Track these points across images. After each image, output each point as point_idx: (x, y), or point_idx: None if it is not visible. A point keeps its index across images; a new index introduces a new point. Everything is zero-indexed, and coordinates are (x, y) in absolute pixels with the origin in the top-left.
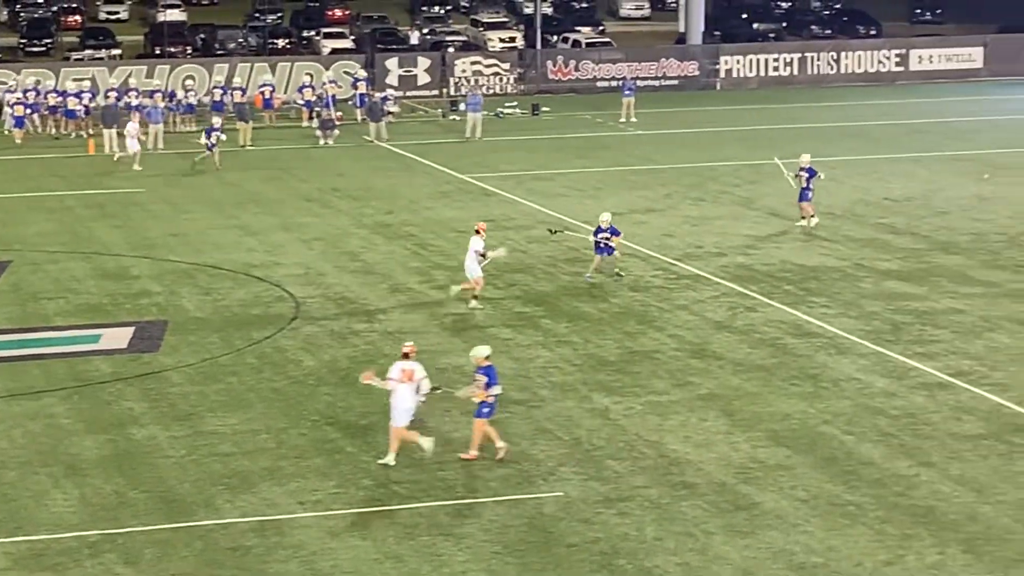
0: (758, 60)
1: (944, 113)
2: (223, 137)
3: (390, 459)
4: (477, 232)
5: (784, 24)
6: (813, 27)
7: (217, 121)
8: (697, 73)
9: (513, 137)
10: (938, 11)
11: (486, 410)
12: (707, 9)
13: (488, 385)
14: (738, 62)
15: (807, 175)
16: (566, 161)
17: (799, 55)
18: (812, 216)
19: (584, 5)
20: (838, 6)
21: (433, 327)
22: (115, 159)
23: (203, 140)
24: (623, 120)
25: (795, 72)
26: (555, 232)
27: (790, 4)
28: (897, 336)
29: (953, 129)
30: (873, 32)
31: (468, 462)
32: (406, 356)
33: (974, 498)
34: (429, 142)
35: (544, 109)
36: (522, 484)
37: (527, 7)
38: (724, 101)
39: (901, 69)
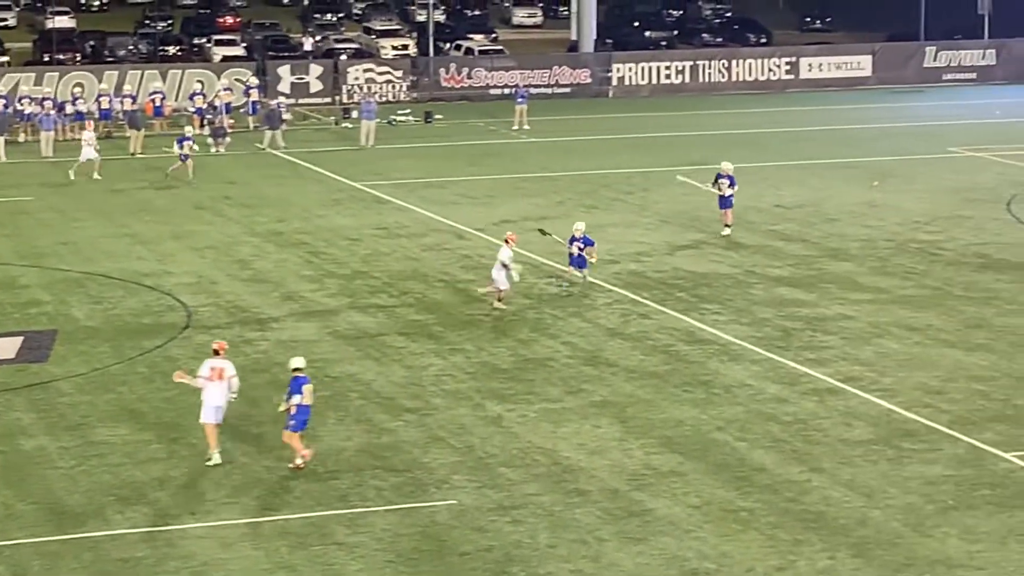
0: (650, 68)
1: (834, 120)
2: (196, 148)
3: (215, 458)
4: (507, 242)
5: (676, 32)
6: (704, 35)
7: (189, 130)
8: (589, 81)
9: (406, 145)
10: (828, 19)
11: (292, 422)
12: (599, 17)
13: (289, 395)
14: (630, 70)
15: (728, 182)
16: (459, 168)
17: (691, 63)
18: (727, 225)
19: (477, 13)
20: (729, 14)
21: (326, 336)
22: (71, 174)
23: (175, 150)
24: (516, 127)
25: (687, 80)
26: (545, 234)
27: (681, 12)
28: (788, 342)
29: (843, 136)
30: (764, 40)
31: (361, 469)
32: (216, 353)
33: (864, 503)
34: (322, 150)
35: (437, 117)
36: (415, 493)
37: (420, 15)
38: (616, 108)
39: (791, 77)
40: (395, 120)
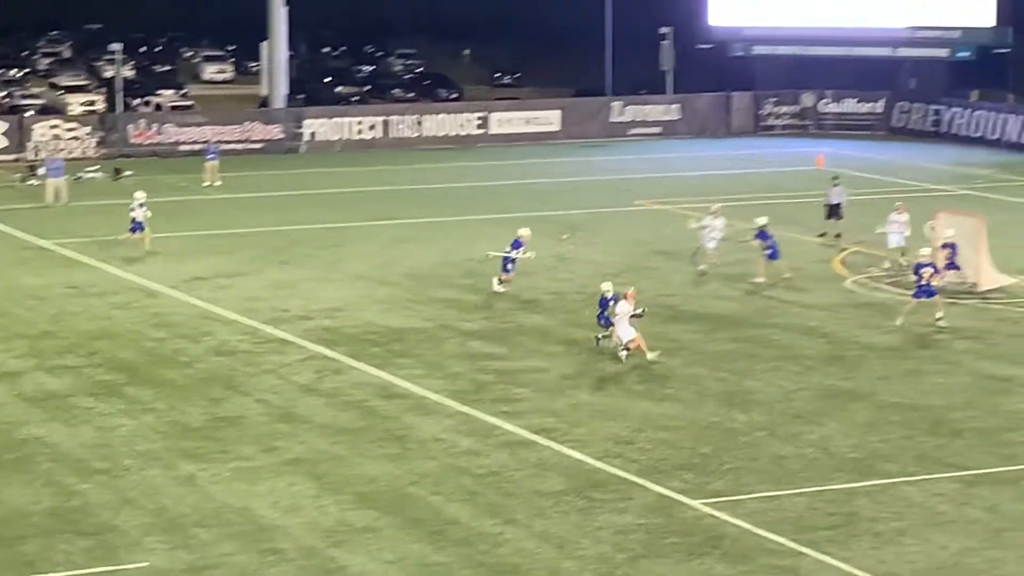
0: (341, 123)
1: (524, 175)
2: (149, 214)
3: None
4: (626, 297)
5: (367, 87)
6: (396, 90)
7: (141, 195)
8: (281, 136)
9: (95, 201)
10: (517, 75)
11: None
12: (290, 72)
13: None
14: (322, 125)
15: (512, 247)
16: (150, 224)
17: (382, 118)
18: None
19: (166, 68)
20: (420, 70)
21: (12, 398)
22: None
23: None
24: (207, 183)
25: (378, 135)
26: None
27: (373, 68)
28: (481, 395)
29: (532, 190)
30: (454, 96)
31: (50, 533)
32: None
33: (556, 554)
34: (7, 208)
35: (127, 173)
36: (106, 556)
37: (107, 70)
38: (309, 164)
39: (482, 132)
40: (83, 177)
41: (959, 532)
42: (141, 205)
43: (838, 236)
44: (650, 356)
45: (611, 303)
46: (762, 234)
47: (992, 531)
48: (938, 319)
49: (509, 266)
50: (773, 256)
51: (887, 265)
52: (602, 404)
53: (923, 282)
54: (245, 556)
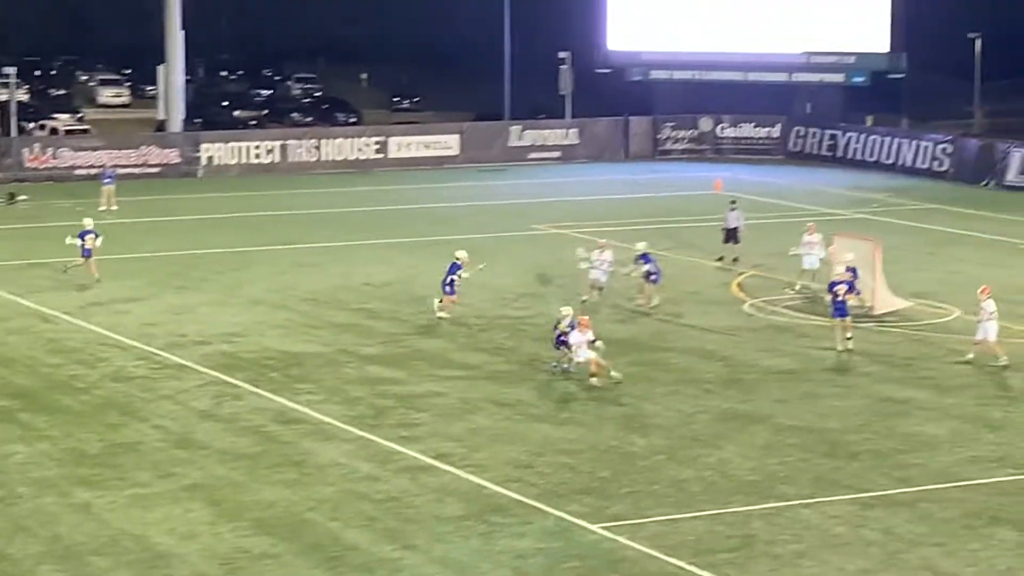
0: (239, 148)
1: (422, 199)
2: (98, 242)
3: None
4: (580, 325)
5: (265, 112)
6: (294, 115)
7: (89, 222)
8: (179, 161)
9: None
10: (416, 99)
11: None
12: (187, 96)
13: None
14: (219, 150)
15: (449, 271)
16: (46, 250)
17: (280, 143)
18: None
19: (62, 92)
20: (318, 94)
21: None
22: None
23: (76, 242)
24: (103, 208)
25: (277, 159)
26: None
27: (271, 92)
28: (380, 420)
29: (431, 215)
30: (353, 120)
31: None
32: None
33: None
34: None
35: (22, 197)
36: None
37: (1, 94)
38: (206, 188)
39: (381, 156)
40: None
41: (855, 554)
42: (89, 232)
43: (736, 260)
44: (614, 374)
45: (568, 330)
46: (644, 257)
47: (888, 553)
48: (847, 338)
49: (447, 288)
50: (655, 281)
51: (798, 287)
52: (501, 428)
53: (839, 299)
54: None
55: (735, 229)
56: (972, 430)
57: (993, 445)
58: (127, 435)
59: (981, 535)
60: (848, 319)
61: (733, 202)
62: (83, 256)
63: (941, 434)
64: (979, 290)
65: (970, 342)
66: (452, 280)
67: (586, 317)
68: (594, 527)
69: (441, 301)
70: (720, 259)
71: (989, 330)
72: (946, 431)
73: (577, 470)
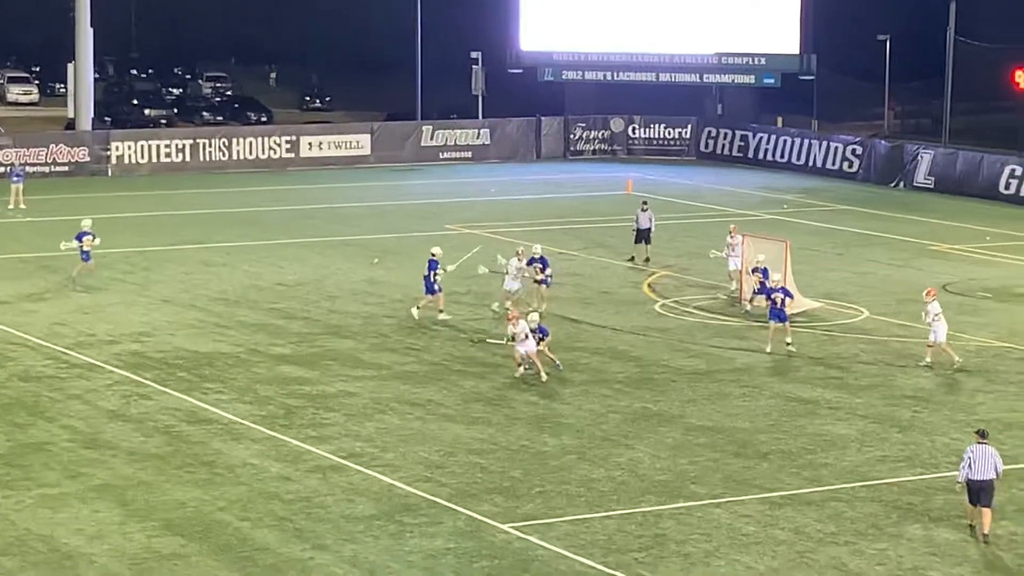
0: (149, 146)
1: (334, 199)
2: (96, 241)
3: None
4: (509, 320)
5: (176, 110)
6: (205, 113)
7: (87, 223)
8: (88, 159)
9: None
10: (327, 99)
11: None
12: (97, 95)
13: None
14: (129, 148)
15: (429, 269)
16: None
17: (191, 141)
18: (423, 306)
19: None
20: (229, 93)
21: None
22: None
23: (72, 244)
24: (11, 207)
25: (187, 158)
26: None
27: (181, 91)
28: (291, 420)
29: (342, 214)
30: (264, 119)
31: None
32: None
33: None
34: None
35: None
36: None
37: None
38: (116, 187)
39: (292, 155)
40: None
41: (765, 553)
42: (87, 233)
43: (647, 260)
44: (545, 372)
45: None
46: (541, 260)
47: (797, 552)
48: (788, 343)
49: (433, 287)
50: (545, 282)
51: (734, 288)
52: (412, 428)
53: (777, 306)
54: None
55: (647, 230)
56: (881, 430)
57: (901, 445)
58: (35, 435)
59: (889, 534)
60: (787, 323)
61: (644, 203)
62: (83, 260)
63: (850, 434)
64: (924, 292)
65: (908, 344)
66: (435, 278)
67: (515, 311)
68: (505, 527)
69: (420, 305)
70: (631, 259)
71: (938, 331)
72: (855, 431)
73: (488, 470)
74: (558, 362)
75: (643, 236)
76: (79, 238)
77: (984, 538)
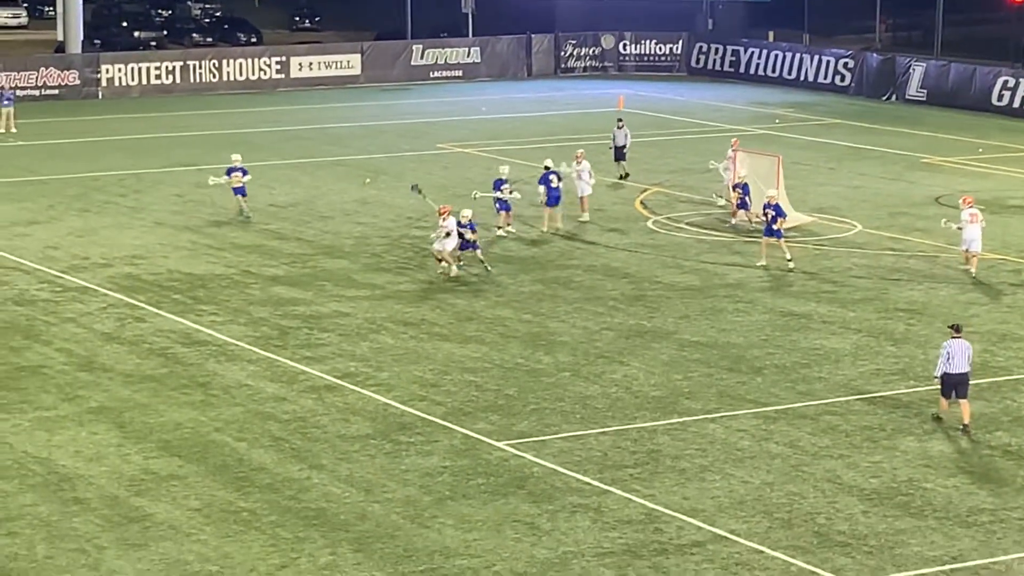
0: (139, 68)
1: (325, 119)
2: (247, 177)
3: None
4: (440, 214)
5: (165, 32)
6: (195, 35)
7: (237, 157)
8: (78, 82)
9: None
10: (317, 19)
11: None
12: (86, 17)
13: None
14: (119, 71)
15: (495, 187)
16: None
17: (181, 63)
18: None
19: None
20: (219, 14)
21: None
22: None
23: (220, 180)
24: (2, 131)
25: (177, 80)
26: (420, 193)
27: (171, 12)
28: (285, 341)
29: (333, 135)
30: (254, 40)
31: None
32: None
33: (363, 497)
34: None
35: None
36: None
37: None
38: (106, 110)
39: (282, 76)
40: None
41: (760, 467)
42: (237, 169)
43: (626, 175)
44: (453, 269)
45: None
46: (544, 177)
47: (791, 466)
48: (788, 259)
49: (500, 206)
50: (550, 203)
51: (722, 201)
52: (407, 347)
53: (768, 222)
54: (47, 507)
55: (622, 147)
56: (874, 343)
57: (895, 358)
58: (30, 358)
59: (884, 447)
60: (781, 239)
61: (620, 120)
62: (236, 194)
63: (844, 347)
64: (961, 200)
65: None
66: (500, 197)
67: (446, 205)
68: (501, 444)
69: (499, 226)
70: (623, 176)
71: (969, 239)
72: (848, 344)
73: (483, 388)
74: (488, 266)
75: (620, 153)
76: (229, 173)
77: (964, 428)
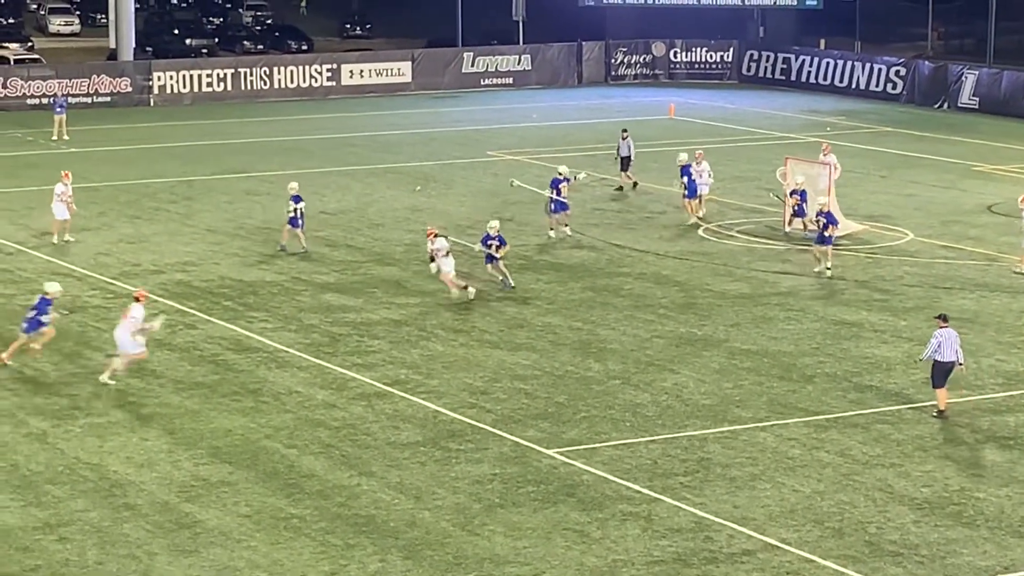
0: (191, 76)
1: (375, 127)
2: (301, 206)
3: None
4: (429, 237)
5: (216, 40)
6: (246, 42)
7: (294, 186)
8: (130, 89)
9: None
10: (368, 26)
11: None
12: (138, 25)
13: None
14: (171, 78)
15: (552, 187)
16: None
17: (232, 70)
18: (565, 226)
19: (11, 21)
20: (269, 22)
21: None
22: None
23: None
24: (55, 138)
25: (229, 88)
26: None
27: (222, 20)
28: (335, 348)
29: (384, 142)
30: (305, 47)
31: None
32: None
33: (413, 504)
34: None
35: None
36: None
37: None
38: (158, 117)
39: (333, 84)
40: None
41: (811, 476)
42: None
43: (635, 185)
44: (455, 293)
45: (491, 240)
46: (685, 170)
47: (842, 474)
48: (828, 268)
49: (555, 207)
50: (690, 195)
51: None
52: (457, 354)
53: (824, 228)
54: (98, 512)
55: (627, 157)
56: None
57: None
58: (84, 364)
59: (935, 456)
60: (829, 247)
61: (624, 131)
62: (289, 225)
63: (895, 356)
64: (1020, 199)
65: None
66: (560, 201)
67: (432, 227)
68: (551, 452)
69: (552, 226)
70: (633, 186)
71: None
72: (900, 353)
73: (533, 396)
74: (511, 281)
75: (625, 164)
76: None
77: (940, 414)
